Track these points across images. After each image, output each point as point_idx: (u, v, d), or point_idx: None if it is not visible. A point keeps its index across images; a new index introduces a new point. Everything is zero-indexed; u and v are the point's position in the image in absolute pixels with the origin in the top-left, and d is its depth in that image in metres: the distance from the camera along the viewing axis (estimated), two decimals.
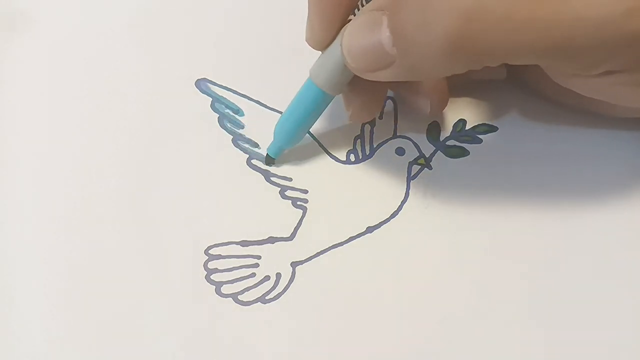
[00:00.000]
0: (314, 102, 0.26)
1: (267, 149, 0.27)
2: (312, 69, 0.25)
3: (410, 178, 0.27)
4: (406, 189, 0.27)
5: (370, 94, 0.26)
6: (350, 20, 0.24)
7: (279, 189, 0.27)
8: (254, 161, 0.28)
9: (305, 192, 0.27)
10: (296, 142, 0.27)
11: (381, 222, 0.26)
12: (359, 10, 0.24)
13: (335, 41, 0.24)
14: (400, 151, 0.28)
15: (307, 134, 0.28)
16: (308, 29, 0.25)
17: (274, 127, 0.27)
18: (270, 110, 0.28)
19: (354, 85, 0.25)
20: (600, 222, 0.26)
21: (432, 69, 0.22)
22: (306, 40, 0.25)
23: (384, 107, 0.28)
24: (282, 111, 0.28)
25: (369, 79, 0.23)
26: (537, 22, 0.20)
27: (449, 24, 0.20)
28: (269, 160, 0.27)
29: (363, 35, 0.22)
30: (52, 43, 0.30)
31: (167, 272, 0.26)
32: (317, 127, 0.28)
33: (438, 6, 0.21)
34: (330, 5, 0.24)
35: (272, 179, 0.27)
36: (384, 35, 0.22)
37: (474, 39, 0.21)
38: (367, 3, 0.23)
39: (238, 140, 0.28)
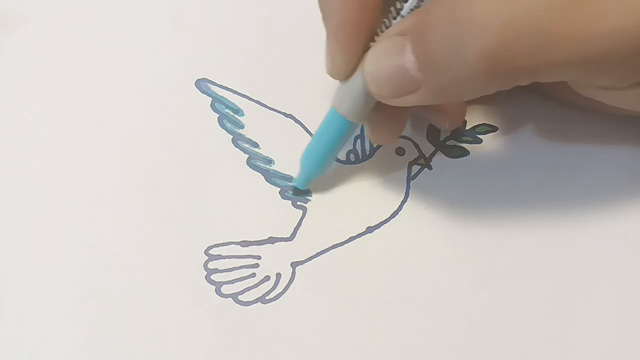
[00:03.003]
0: (338, 131, 0.25)
1: (294, 180, 0.27)
2: (335, 98, 0.25)
3: (410, 178, 0.27)
4: (406, 189, 0.27)
5: (394, 117, 0.25)
6: (371, 46, 0.23)
7: (279, 189, 0.27)
8: (254, 161, 0.28)
9: (306, 192, 0.27)
10: (323, 171, 0.26)
11: (381, 222, 0.26)
12: (378, 35, 0.23)
13: (359, 71, 0.23)
14: (400, 151, 0.28)
15: (308, 134, 0.28)
16: (329, 60, 0.24)
17: (273, 127, 0.27)
18: (270, 110, 0.28)
19: (377, 109, 0.24)
20: (601, 222, 0.26)
21: (462, 92, 0.22)
22: (327, 72, 0.24)
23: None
24: (282, 111, 0.28)
25: (393, 104, 0.23)
26: (573, 36, 0.20)
27: (485, 42, 0.20)
28: (298, 192, 0.27)
29: (386, 61, 0.22)
30: (51, 43, 0.30)
31: (167, 272, 0.26)
32: (316, 127, 0.28)
33: (470, 24, 0.20)
34: (351, 33, 0.23)
35: (272, 179, 0.27)
36: (409, 60, 0.21)
37: (510, 57, 0.20)
38: (386, 28, 0.23)
39: (238, 140, 0.28)
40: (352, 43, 0.23)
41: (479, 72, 0.20)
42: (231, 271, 0.26)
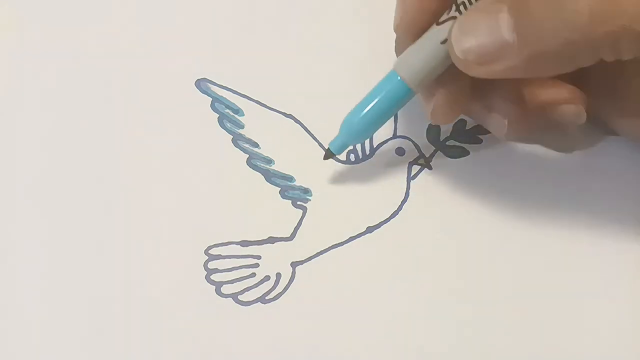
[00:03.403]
0: (394, 96, 0.24)
1: (330, 143, 0.26)
2: (398, 61, 0.23)
3: (410, 178, 0.27)
4: (406, 189, 0.27)
5: (454, 95, 0.24)
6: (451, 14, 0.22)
7: (279, 188, 0.27)
8: (254, 161, 0.28)
9: (306, 191, 0.27)
10: (364, 139, 0.25)
11: (381, 222, 0.26)
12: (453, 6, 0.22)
13: (430, 32, 0.23)
14: (400, 151, 0.28)
15: (307, 134, 0.28)
16: (400, 11, 0.23)
17: (273, 127, 0.27)
18: (270, 110, 0.28)
19: (438, 82, 0.23)
20: (601, 221, 0.26)
21: (556, 58, 0.20)
22: (395, 27, 0.23)
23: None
24: (282, 111, 0.28)
25: (476, 75, 0.22)
26: None
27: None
28: (329, 154, 0.26)
29: (478, 23, 0.21)
30: (51, 43, 0.30)
31: (167, 272, 0.26)
32: (317, 127, 0.28)
33: None
34: None
35: (272, 179, 0.27)
36: (503, 20, 0.20)
37: (615, 13, 0.19)
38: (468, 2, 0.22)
39: (238, 140, 0.28)
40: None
41: (580, 31, 0.19)
42: (231, 271, 0.26)
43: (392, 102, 0.24)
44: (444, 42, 0.22)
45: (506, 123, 0.25)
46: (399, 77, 0.23)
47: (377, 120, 0.25)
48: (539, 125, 0.26)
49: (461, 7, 0.22)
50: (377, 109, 0.24)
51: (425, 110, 0.25)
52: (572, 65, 0.20)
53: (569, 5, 0.19)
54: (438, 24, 0.22)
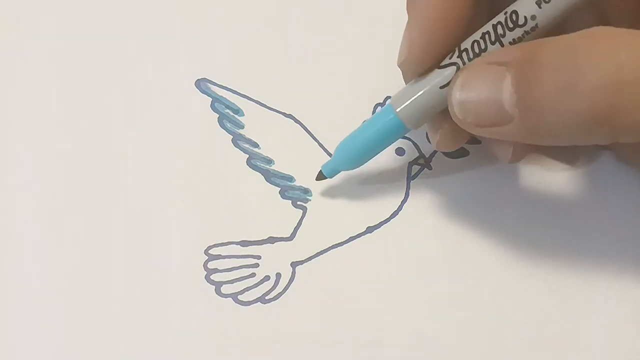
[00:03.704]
0: (387, 132, 0.24)
1: (323, 166, 0.26)
2: (396, 98, 0.23)
3: (410, 178, 0.27)
4: (406, 189, 0.27)
5: (452, 128, 0.24)
6: (457, 66, 0.22)
7: (279, 188, 0.27)
8: (254, 161, 0.28)
9: (306, 191, 0.27)
10: (356, 167, 0.26)
11: (381, 222, 0.26)
12: (462, 53, 0.22)
13: (430, 75, 0.22)
14: (400, 151, 0.28)
15: (307, 134, 0.28)
16: (406, 49, 0.22)
17: (273, 127, 0.27)
18: (270, 110, 0.28)
19: (444, 116, 0.23)
20: (602, 222, 0.26)
21: (556, 138, 0.20)
22: (399, 63, 0.23)
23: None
24: (282, 111, 0.28)
25: (473, 133, 0.22)
26: None
27: (600, 93, 0.18)
28: (321, 177, 0.26)
29: (480, 87, 0.20)
30: (50, 43, 0.30)
31: (167, 272, 0.26)
32: (317, 127, 0.28)
33: (589, 70, 0.18)
34: (438, 27, 0.22)
35: (272, 179, 0.27)
36: (506, 92, 0.20)
37: (625, 113, 0.18)
38: (479, 49, 0.21)
39: (238, 140, 0.28)
40: (436, 39, 0.22)
41: (583, 123, 0.19)
42: (231, 271, 0.26)
43: (386, 136, 0.24)
44: (443, 86, 0.22)
45: (511, 151, 0.25)
46: (395, 114, 0.23)
47: (370, 152, 0.25)
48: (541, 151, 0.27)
49: (463, 55, 0.22)
50: (371, 141, 0.25)
51: (431, 138, 0.25)
52: (571, 144, 0.20)
53: (578, 93, 0.19)
54: (439, 67, 0.22)
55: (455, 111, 0.21)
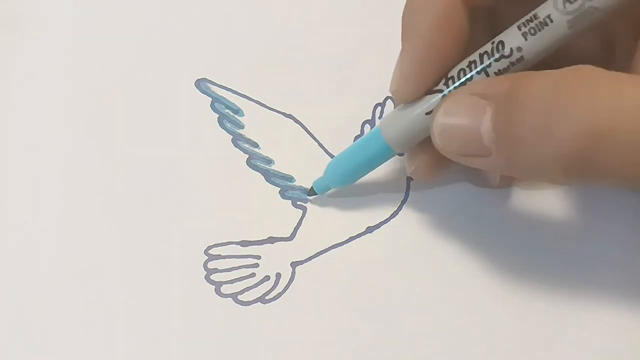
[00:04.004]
0: (376, 154, 0.24)
1: (314, 182, 0.26)
2: (385, 122, 0.24)
3: (410, 178, 0.27)
4: (406, 189, 0.27)
5: (436, 159, 0.24)
6: (442, 93, 0.22)
7: (279, 188, 0.27)
8: (254, 161, 0.28)
9: (306, 191, 0.27)
10: (346, 184, 0.26)
11: (381, 222, 0.26)
12: (451, 81, 0.22)
13: (420, 104, 0.22)
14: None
15: (307, 134, 0.28)
16: (397, 80, 0.23)
17: (273, 127, 0.27)
18: (270, 110, 0.28)
19: (421, 147, 0.24)
20: (602, 224, 0.26)
21: (533, 175, 0.21)
22: (391, 91, 0.23)
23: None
24: (282, 111, 0.28)
25: (454, 160, 0.22)
26: None
27: (575, 142, 0.18)
28: (312, 193, 0.27)
29: (460, 119, 0.21)
30: (51, 43, 0.30)
31: (167, 272, 0.26)
32: (317, 127, 0.28)
33: (566, 117, 0.18)
34: (430, 59, 0.22)
35: (272, 179, 0.27)
36: (485, 127, 0.20)
37: (599, 162, 0.18)
38: (464, 76, 0.22)
39: (238, 140, 0.28)
40: (428, 70, 0.22)
41: (558, 166, 0.19)
42: (231, 271, 0.26)
43: (374, 158, 0.25)
44: (429, 113, 0.22)
45: (498, 179, 0.25)
46: (382, 138, 0.24)
47: (359, 172, 0.26)
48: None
49: (450, 82, 0.22)
50: (360, 162, 0.25)
51: (407, 166, 0.25)
52: (549, 182, 0.21)
53: (555, 136, 0.19)
54: (426, 93, 0.23)
55: (436, 139, 0.22)
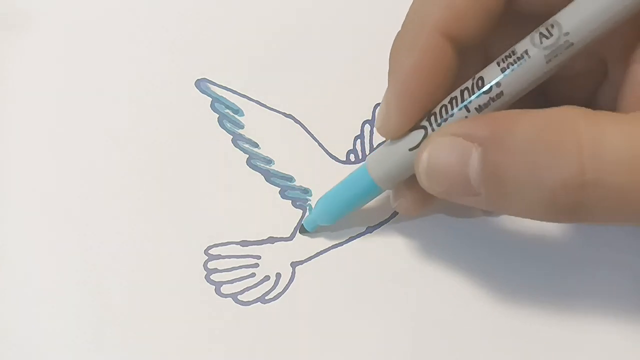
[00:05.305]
0: (363, 192, 0.24)
1: (304, 220, 0.26)
2: (371, 159, 0.24)
3: None
4: None
5: (420, 196, 0.24)
6: (425, 130, 0.22)
7: (279, 188, 0.27)
8: (254, 161, 0.28)
9: (306, 192, 0.27)
10: (334, 221, 0.26)
11: (381, 222, 0.26)
12: (439, 117, 0.22)
13: (404, 140, 0.22)
14: None
15: (307, 134, 0.28)
16: (383, 116, 0.23)
17: (273, 127, 0.27)
18: (270, 110, 0.28)
19: (406, 184, 0.24)
20: (601, 229, 0.26)
21: (522, 215, 0.20)
22: (377, 128, 0.23)
23: None
24: (282, 111, 0.28)
25: (442, 198, 0.22)
26: None
27: (562, 189, 0.18)
28: (303, 230, 0.26)
29: (447, 161, 0.20)
30: (51, 43, 0.30)
31: (167, 272, 0.26)
32: (317, 127, 0.28)
33: (552, 165, 0.18)
34: (416, 97, 0.22)
35: (272, 179, 0.27)
36: (473, 170, 0.20)
37: (589, 207, 0.19)
38: (446, 114, 0.21)
39: (238, 140, 0.28)
40: (412, 107, 0.22)
41: (546, 209, 0.19)
42: (231, 271, 0.26)
43: (362, 195, 0.25)
44: (412, 149, 0.22)
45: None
46: (369, 176, 0.24)
47: (347, 209, 0.25)
48: None
49: (432, 118, 0.22)
50: (347, 200, 0.25)
51: (392, 201, 0.25)
52: (545, 221, 0.21)
53: (544, 181, 0.19)
54: (411, 129, 0.22)
55: (423, 180, 0.21)
